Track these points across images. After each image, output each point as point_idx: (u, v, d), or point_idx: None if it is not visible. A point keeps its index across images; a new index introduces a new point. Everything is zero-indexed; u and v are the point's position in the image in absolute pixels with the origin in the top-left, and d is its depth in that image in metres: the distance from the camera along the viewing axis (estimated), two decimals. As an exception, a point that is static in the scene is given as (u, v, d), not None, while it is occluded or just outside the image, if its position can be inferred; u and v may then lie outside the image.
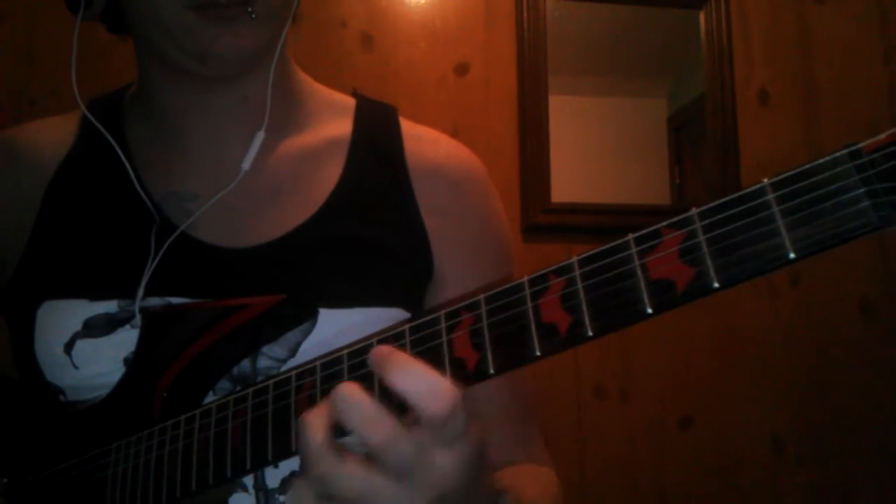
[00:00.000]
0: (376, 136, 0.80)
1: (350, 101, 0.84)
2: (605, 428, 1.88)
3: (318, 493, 0.45)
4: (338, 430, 0.46)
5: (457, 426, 0.44)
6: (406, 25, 1.93)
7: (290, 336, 0.68)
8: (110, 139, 0.76)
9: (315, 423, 0.45)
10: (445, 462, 0.45)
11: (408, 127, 0.82)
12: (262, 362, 0.69)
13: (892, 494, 1.92)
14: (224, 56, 0.69)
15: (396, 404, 0.44)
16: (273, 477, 0.67)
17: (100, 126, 0.77)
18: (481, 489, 0.50)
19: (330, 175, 0.77)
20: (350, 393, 0.44)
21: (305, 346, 0.68)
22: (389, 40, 1.92)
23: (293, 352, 0.69)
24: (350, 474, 0.44)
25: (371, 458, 0.45)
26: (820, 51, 2.08)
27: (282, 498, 0.67)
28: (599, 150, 2.00)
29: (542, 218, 1.88)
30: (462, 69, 1.94)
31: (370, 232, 0.74)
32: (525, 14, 1.95)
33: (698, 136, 2.02)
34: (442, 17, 1.95)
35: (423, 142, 0.81)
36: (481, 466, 0.48)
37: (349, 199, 0.76)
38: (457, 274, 0.77)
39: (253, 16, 0.68)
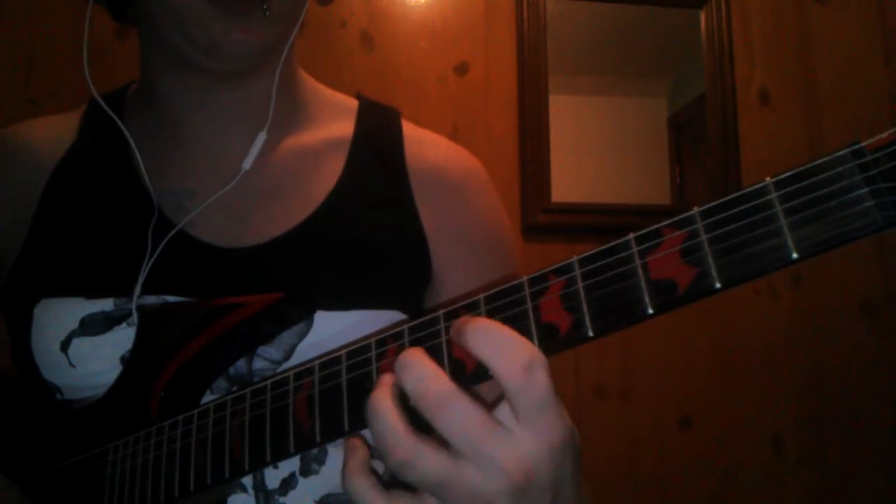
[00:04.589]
0: (377, 138, 0.80)
1: (353, 103, 0.84)
2: (606, 428, 1.88)
3: (392, 479, 0.42)
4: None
5: (539, 396, 0.41)
6: (406, 25, 1.93)
7: (286, 338, 0.68)
8: (120, 124, 0.75)
9: (386, 403, 0.42)
10: (530, 442, 0.42)
11: (409, 130, 0.82)
12: (258, 364, 0.68)
13: (893, 495, 1.92)
14: (232, 50, 0.68)
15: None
16: (273, 477, 0.67)
17: (108, 108, 0.76)
18: (575, 493, 0.44)
19: (329, 175, 0.76)
20: (414, 360, 0.41)
21: (301, 348, 0.68)
22: (389, 40, 1.92)
23: (288, 354, 0.68)
24: (431, 457, 0.41)
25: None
26: (821, 51, 2.08)
27: (282, 499, 0.66)
28: (600, 150, 1.99)
29: (542, 218, 1.88)
30: (462, 69, 1.93)
31: (367, 233, 0.74)
32: (525, 13, 1.94)
33: (699, 136, 2.02)
34: (442, 16, 1.94)
35: (424, 145, 0.81)
36: (574, 459, 0.44)
37: (347, 200, 0.75)
38: (457, 277, 0.76)
39: (266, 12, 0.67)
